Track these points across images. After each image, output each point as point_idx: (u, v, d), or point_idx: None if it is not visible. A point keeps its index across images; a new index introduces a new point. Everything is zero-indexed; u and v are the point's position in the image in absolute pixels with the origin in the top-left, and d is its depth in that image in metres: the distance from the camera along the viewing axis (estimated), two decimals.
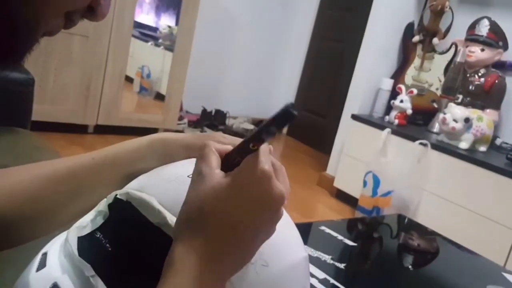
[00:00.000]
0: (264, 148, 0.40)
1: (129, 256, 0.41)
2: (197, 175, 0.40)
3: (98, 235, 0.43)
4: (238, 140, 0.48)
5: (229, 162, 0.40)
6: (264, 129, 0.38)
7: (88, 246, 0.43)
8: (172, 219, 0.41)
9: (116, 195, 0.45)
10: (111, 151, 0.51)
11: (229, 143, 0.46)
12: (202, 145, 0.42)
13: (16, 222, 0.48)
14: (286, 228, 0.47)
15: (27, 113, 1.34)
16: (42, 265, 0.43)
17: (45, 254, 0.44)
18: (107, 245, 0.42)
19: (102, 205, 0.45)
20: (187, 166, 0.45)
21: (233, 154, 0.41)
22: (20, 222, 0.49)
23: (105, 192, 0.49)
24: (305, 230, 1.03)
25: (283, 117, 0.36)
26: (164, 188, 0.45)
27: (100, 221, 0.44)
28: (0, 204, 0.47)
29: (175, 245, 0.38)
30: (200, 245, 0.38)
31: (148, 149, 0.51)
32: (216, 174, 0.39)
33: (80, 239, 0.43)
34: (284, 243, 0.46)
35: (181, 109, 3.28)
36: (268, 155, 0.40)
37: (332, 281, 0.77)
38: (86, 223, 0.45)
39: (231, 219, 0.38)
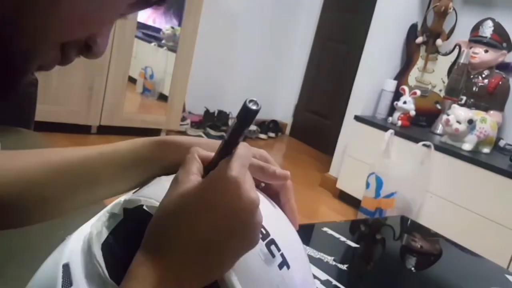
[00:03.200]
0: (240, 152, 0.38)
1: None
2: (173, 180, 0.39)
3: (111, 241, 0.42)
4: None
5: (210, 169, 0.39)
6: (233, 132, 0.37)
7: (109, 256, 0.42)
8: None
9: (142, 205, 0.43)
10: (118, 148, 0.50)
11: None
12: (191, 149, 0.41)
13: (18, 205, 0.49)
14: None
15: (30, 114, 1.34)
16: (68, 283, 0.41)
17: (67, 267, 0.42)
18: (119, 251, 0.42)
19: (117, 208, 0.44)
20: None
21: (213, 161, 0.40)
22: (23, 206, 0.49)
23: (111, 188, 0.49)
24: (308, 231, 1.03)
25: (245, 114, 0.35)
26: None
27: (113, 224, 0.43)
28: (4, 187, 0.47)
29: (138, 251, 0.37)
30: (159, 254, 0.36)
31: (159, 150, 0.50)
32: (189, 179, 0.38)
33: (103, 249, 0.42)
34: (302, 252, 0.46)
35: (184, 110, 3.28)
36: (242, 160, 0.38)
37: (334, 282, 0.77)
38: (101, 227, 0.44)
39: (194, 227, 0.36)
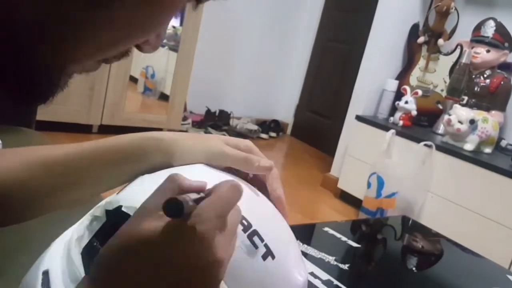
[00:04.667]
0: (222, 196, 0.35)
1: None
2: (141, 209, 0.35)
3: (95, 243, 0.42)
4: (234, 157, 0.46)
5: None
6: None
7: (90, 260, 0.42)
8: None
9: (121, 206, 0.43)
10: (104, 145, 0.49)
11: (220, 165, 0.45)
12: (168, 177, 0.36)
13: (2, 205, 0.47)
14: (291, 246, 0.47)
15: (31, 113, 1.34)
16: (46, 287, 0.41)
17: (46, 273, 0.42)
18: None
19: (99, 210, 0.44)
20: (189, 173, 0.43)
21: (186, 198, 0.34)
22: (6, 205, 0.48)
23: (97, 185, 0.48)
24: (309, 231, 1.03)
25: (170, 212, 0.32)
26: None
27: (96, 226, 0.43)
28: None
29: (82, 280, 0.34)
30: None
31: (141, 146, 0.48)
32: (156, 215, 0.33)
33: (83, 254, 0.42)
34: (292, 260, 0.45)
35: (185, 110, 3.28)
36: (219, 207, 0.34)
37: (335, 282, 0.77)
38: (83, 230, 0.43)
39: (144, 273, 0.32)
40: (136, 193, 0.42)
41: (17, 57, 0.30)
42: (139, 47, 0.36)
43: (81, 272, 0.40)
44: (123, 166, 0.47)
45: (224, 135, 3.34)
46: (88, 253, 0.41)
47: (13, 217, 0.49)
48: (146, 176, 0.46)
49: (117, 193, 0.45)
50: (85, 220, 0.44)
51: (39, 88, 0.32)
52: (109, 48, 0.32)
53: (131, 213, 0.39)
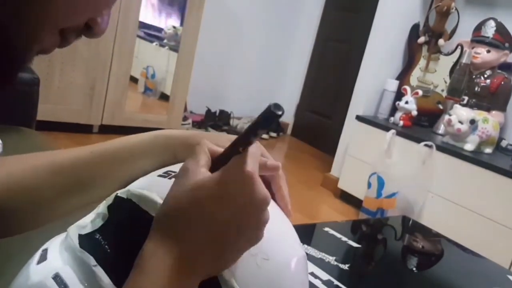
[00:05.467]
0: (253, 150, 0.38)
1: (130, 252, 0.41)
2: (183, 171, 0.39)
3: (98, 236, 0.43)
4: None
5: (218, 164, 0.39)
6: (250, 131, 0.37)
7: (88, 244, 0.42)
8: None
9: (117, 194, 0.44)
10: (112, 145, 0.50)
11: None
12: (197, 143, 0.41)
13: (13, 211, 0.48)
14: (284, 226, 0.47)
15: (32, 113, 1.34)
16: (43, 258, 0.42)
17: (45, 250, 0.44)
18: (106, 246, 0.42)
19: (102, 207, 0.45)
20: None
21: (222, 156, 0.40)
22: (18, 212, 0.48)
23: (105, 187, 0.49)
24: (309, 231, 1.03)
25: (267, 117, 0.36)
26: (165, 184, 0.44)
27: (99, 223, 0.44)
28: None
29: (146, 243, 0.37)
30: (171, 244, 0.36)
31: (150, 145, 0.50)
32: (200, 171, 0.38)
33: (81, 237, 0.43)
34: (284, 240, 0.45)
35: (185, 109, 3.28)
36: (255, 158, 0.38)
37: (336, 282, 0.77)
38: (86, 223, 0.44)
39: (208, 218, 0.36)
40: (132, 184, 0.45)
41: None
42: (89, 30, 0.37)
43: (76, 243, 0.41)
44: (132, 164, 0.49)
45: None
46: (87, 239, 0.42)
47: (27, 223, 0.50)
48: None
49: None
50: (89, 215, 0.45)
51: (9, 62, 0.33)
52: (76, 12, 0.34)
53: (125, 196, 0.41)
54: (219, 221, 0.36)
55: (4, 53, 0.32)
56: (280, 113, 0.35)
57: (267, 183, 0.49)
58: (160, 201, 0.40)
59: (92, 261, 0.40)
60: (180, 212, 0.37)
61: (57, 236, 0.46)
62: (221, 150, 0.41)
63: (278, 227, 0.42)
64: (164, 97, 3.29)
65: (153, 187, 0.44)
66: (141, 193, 0.42)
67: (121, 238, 0.42)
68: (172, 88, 3.07)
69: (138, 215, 0.42)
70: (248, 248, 0.38)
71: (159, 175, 0.46)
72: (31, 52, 0.34)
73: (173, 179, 0.44)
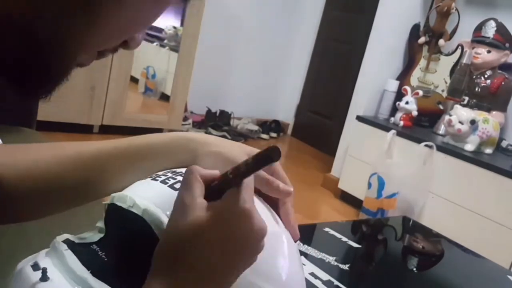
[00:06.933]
0: (247, 182, 0.39)
1: (130, 262, 0.41)
2: (179, 205, 0.39)
3: (95, 247, 0.43)
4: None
5: (214, 190, 0.40)
6: (245, 167, 0.38)
7: (83, 252, 0.42)
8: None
9: (109, 203, 0.44)
10: (135, 142, 0.52)
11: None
12: (187, 170, 0.41)
13: (31, 197, 0.49)
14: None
15: (32, 113, 1.34)
16: (44, 278, 0.41)
17: (37, 265, 0.42)
18: (103, 256, 0.42)
19: (99, 223, 0.45)
20: None
21: (218, 184, 0.40)
22: (35, 198, 0.50)
23: (124, 181, 0.50)
24: (309, 232, 1.03)
25: (264, 160, 0.37)
26: (156, 188, 0.45)
27: (96, 237, 0.44)
28: (17, 179, 0.48)
29: (148, 279, 0.37)
30: (173, 283, 0.37)
31: (170, 145, 0.51)
32: (197, 205, 0.38)
33: (75, 245, 0.43)
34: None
35: (185, 110, 3.28)
36: (250, 190, 0.39)
37: (336, 282, 0.77)
38: (83, 237, 0.45)
39: (207, 258, 0.37)
40: (126, 189, 0.45)
41: (35, 51, 0.31)
42: (125, 44, 0.38)
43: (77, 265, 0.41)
44: (151, 162, 0.51)
45: (224, 135, 3.34)
46: (91, 257, 0.42)
47: (44, 209, 0.51)
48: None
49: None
50: (89, 232, 0.46)
51: (48, 80, 0.34)
52: (114, 37, 0.35)
53: (123, 204, 0.41)
54: (219, 257, 0.37)
55: (42, 71, 0.33)
56: (277, 160, 0.36)
57: (274, 200, 0.50)
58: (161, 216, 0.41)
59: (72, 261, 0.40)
60: (180, 248, 0.37)
61: (42, 252, 0.45)
62: (214, 172, 0.41)
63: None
64: (164, 97, 3.29)
65: (138, 191, 0.44)
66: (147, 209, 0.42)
67: (121, 249, 0.42)
68: (172, 88, 3.07)
69: (138, 226, 0.42)
70: (242, 273, 0.39)
71: (152, 179, 0.47)
72: (68, 70, 0.35)
73: (157, 181, 0.44)
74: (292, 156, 3.64)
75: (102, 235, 0.44)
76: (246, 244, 0.38)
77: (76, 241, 0.44)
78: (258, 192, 0.49)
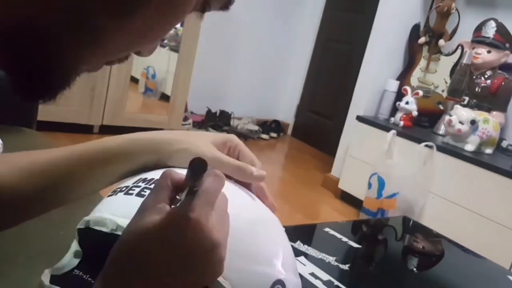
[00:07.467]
0: (207, 187, 0.38)
1: None
2: (140, 207, 0.38)
3: (77, 273, 0.42)
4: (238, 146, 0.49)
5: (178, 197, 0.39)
6: (188, 181, 0.38)
7: (70, 285, 0.42)
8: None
9: (79, 227, 0.43)
10: (90, 147, 0.50)
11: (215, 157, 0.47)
12: (161, 174, 0.40)
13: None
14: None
15: (32, 113, 1.34)
16: None
17: None
18: (89, 278, 0.42)
19: (73, 246, 0.44)
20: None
21: (183, 189, 0.39)
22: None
23: (82, 189, 0.50)
24: (310, 232, 1.03)
25: (196, 172, 0.37)
26: (117, 202, 0.44)
27: (75, 261, 0.43)
28: None
29: (96, 281, 0.36)
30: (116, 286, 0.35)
31: (126, 149, 0.50)
32: (155, 209, 0.36)
33: (56, 277, 0.43)
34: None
35: (186, 110, 3.28)
36: (206, 197, 0.37)
37: (336, 282, 0.77)
38: (61, 266, 0.44)
39: (152, 267, 0.35)
40: (98, 210, 0.44)
41: (41, 55, 0.31)
42: (137, 52, 0.38)
43: None
44: (109, 167, 0.49)
45: None
46: (66, 279, 0.42)
47: (5, 221, 0.50)
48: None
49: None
50: (62, 260, 0.45)
51: (51, 85, 0.34)
52: (120, 52, 0.35)
53: (103, 228, 0.40)
54: (162, 267, 0.35)
55: (46, 78, 0.32)
56: (206, 165, 0.37)
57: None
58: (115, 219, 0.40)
59: None
60: (126, 256, 0.36)
61: None
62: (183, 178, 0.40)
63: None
64: (164, 97, 3.29)
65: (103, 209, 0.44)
66: (98, 219, 0.42)
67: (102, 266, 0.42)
68: (172, 89, 3.07)
69: (112, 239, 0.41)
70: (205, 284, 0.38)
71: (109, 195, 0.46)
72: (72, 78, 0.34)
73: (132, 195, 0.44)
74: (292, 156, 3.64)
75: (79, 259, 0.43)
76: (193, 255, 0.36)
77: (58, 273, 0.43)
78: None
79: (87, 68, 0.35)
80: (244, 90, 3.85)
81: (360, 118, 2.62)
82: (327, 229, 0.98)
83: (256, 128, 3.73)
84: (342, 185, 2.70)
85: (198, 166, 0.36)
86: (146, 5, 0.30)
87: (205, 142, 0.49)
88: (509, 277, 1.02)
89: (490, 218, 2.04)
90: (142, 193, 0.44)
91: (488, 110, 2.34)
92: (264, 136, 3.80)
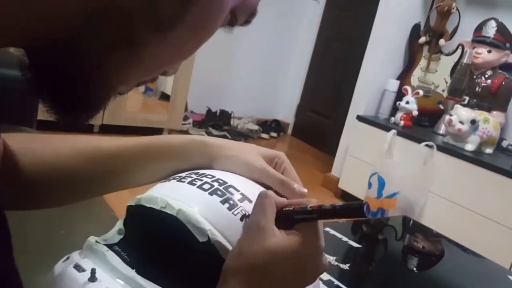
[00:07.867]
0: (320, 222, 0.43)
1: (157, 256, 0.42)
2: (255, 227, 0.42)
3: (116, 249, 0.44)
4: (291, 171, 0.55)
5: (285, 217, 0.43)
6: (332, 210, 0.41)
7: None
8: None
9: (130, 204, 0.45)
10: (154, 143, 0.53)
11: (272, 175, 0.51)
12: (262, 194, 0.44)
13: (46, 186, 0.51)
14: None
15: (33, 112, 1.34)
16: (93, 279, 0.42)
17: (79, 267, 0.44)
18: (126, 256, 0.44)
19: (118, 223, 0.46)
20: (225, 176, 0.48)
21: (291, 212, 0.43)
22: (51, 187, 0.51)
23: (138, 180, 0.52)
24: None
25: (353, 213, 0.40)
26: (175, 186, 0.46)
27: (117, 238, 0.45)
28: (34, 167, 0.50)
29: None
30: None
31: (187, 148, 0.53)
32: (274, 232, 0.41)
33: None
34: None
35: (186, 109, 3.28)
36: (321, 229, 0.43)
37: (336, 282, 0.77)
38: (106, 238, 0.46)
39: (279, 283, 0.41)
40: (151, 190, 0.47)
41: (82, 74, 0.31)
42: (164, 72, 0.39)
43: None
44: (168, 163, 0.52)
45: (224, 135, 3.34)
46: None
47: (60, 198, 0.53)
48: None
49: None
50: (110, 232, 0.47)
51: (90, 105, 0.35)
52: (154, 70, 0.36)
53: (154, 205, 0.43)
54: (287, 282, 0.41)
55: (82, 99, 0.34)
56: (366, 216, 0.39)
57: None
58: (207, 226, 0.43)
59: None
60: (255, 273, 0.40)
61: (74, 253, 0.46)
62: (282, 200, 0.45)
63: None
64: (164, 97, 3.29)
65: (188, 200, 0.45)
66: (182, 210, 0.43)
67: (145, 249, 0.43)
68: (172, 88, 3.07)
69: (160, 216, 0.43)
70: None
71: (174, 178, 0.49)
72: (108, 100, 0.36)
73: (184, 183, 0.46)
74: (292, 156, 3.64)
75: (121, 236, 0.45)
76: (311, 276, 0.43)
77: (102, 243, 0.45)
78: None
79: (121, 89, 0.36)
80: (244, 89, 3.85)
81: (360, 118, 2.62)
82: (327, 229, 0.98)
83: (256, 127, 3.73)
84: (342, 185, 2.70)
85: (360, 210, 0.39)
86: (182, 20, 0.31)
87: (253, 153, 0.53)
88: (509, 277, 1.02)
89: (490, 218, 2.04)
90: (194, 182, 0.46)
91: (489, 110, 2.34)
92: (264, 135, 3.80)
